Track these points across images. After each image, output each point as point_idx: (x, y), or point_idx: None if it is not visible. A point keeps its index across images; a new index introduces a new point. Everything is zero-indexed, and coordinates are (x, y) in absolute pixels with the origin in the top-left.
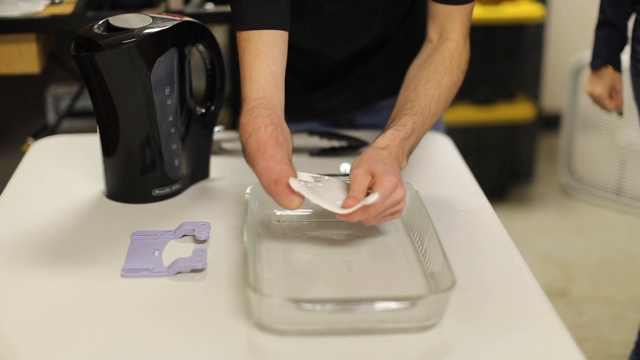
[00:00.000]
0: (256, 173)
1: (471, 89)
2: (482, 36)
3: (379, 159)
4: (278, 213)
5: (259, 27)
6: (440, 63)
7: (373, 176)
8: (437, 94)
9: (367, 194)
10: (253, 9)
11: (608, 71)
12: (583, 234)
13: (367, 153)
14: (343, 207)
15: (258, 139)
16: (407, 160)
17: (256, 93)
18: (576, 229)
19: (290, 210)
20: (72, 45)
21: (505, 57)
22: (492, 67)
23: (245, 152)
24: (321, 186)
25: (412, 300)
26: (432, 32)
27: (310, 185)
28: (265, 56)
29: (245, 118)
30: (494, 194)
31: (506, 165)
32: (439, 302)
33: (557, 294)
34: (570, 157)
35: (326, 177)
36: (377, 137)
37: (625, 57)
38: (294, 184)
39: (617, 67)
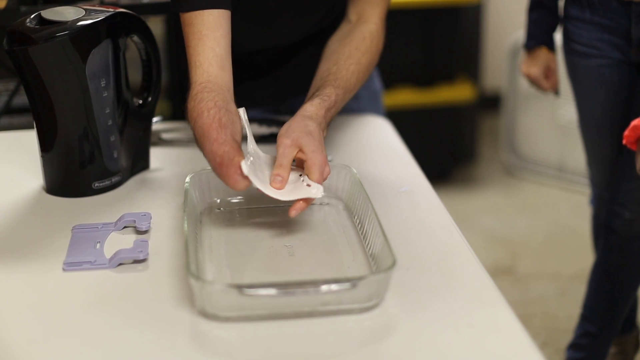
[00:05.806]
0: (205, 158)
1: (411, 72)
2: (420, 19)
3: (307, 132)
4: (218, 201)
5: (200, 6)
6: (362, 42)
7: (301, 150)
8: (356, 71)
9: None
10: None
11: (542, 52)
12: (527, 212)
13: (295, 121)
14: (272, 176)
15: (202, 124)
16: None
17: (200, 77)
18: (520, 208)
19: (230, 198)
20: (5, 40)
21: (444, 39)
22: (431, 49)
23: (195, 138)
24: (266, 167)
25: (353, 282)
26: (352, 13)
27: (257, 162)
28: (208, 39)
29: (191, 104)
30: (438, 176)
31: (449, 147)
32: (380, 282)
33: (503, 272)
34: (512, 136)
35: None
36: (304, 103)
37: (559, 36)
38: (244, 168)
39: (551, 47)
